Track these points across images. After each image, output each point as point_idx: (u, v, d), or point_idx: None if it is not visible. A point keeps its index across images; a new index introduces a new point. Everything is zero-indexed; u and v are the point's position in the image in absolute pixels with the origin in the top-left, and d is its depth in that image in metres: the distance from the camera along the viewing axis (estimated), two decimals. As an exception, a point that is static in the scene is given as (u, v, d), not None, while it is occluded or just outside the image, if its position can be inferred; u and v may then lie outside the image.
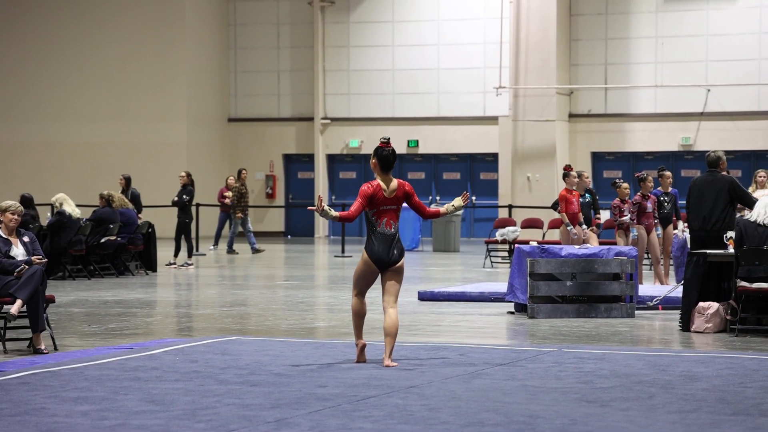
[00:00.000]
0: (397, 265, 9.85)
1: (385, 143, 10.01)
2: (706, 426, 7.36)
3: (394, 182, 9.91)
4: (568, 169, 18.06)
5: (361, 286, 9.93)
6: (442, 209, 10.15)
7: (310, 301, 16.30)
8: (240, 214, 26.94)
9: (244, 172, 27.60)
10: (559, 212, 17.84)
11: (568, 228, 17.48)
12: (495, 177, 32.69)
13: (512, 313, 14.45)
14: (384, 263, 9.80)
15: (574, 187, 17.75)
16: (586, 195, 18.18)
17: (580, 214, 17.66)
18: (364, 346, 9.95)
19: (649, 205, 17.51)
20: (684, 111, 31.02)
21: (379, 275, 9.90)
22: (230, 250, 26.75)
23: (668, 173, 18.04)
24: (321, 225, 34.18)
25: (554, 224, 22.99)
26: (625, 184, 18.04)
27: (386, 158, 9.98)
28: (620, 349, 11.21)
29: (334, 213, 9.72)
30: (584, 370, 9.54)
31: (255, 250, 26.58)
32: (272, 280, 20.62)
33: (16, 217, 11.25)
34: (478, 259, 24.06)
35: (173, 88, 33.53)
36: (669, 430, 7.22)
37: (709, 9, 30.70)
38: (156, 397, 8.23)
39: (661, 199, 17.82)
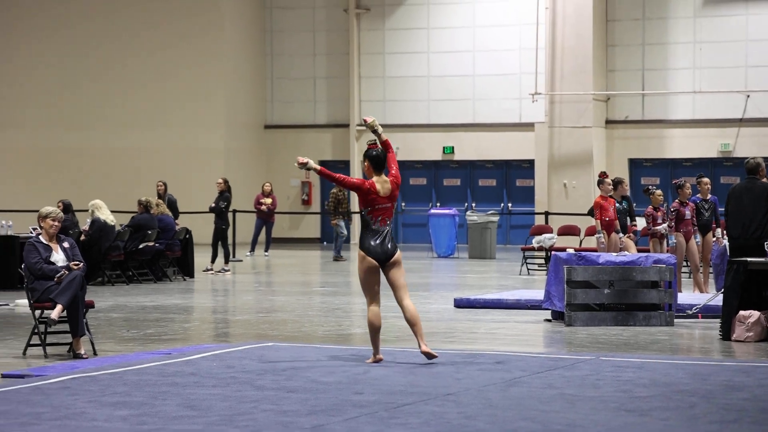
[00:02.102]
0: (395, 257, 10.17)
1: (373, 144, 10.28)
2: (746, 435, 7.33)
3: (387, 182, 10.22)
4: (603, 176, 18.00)
5: (370, 292, 10.16)
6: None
7: (347, 308, 16.31)
8: (335, 221, 26.61)
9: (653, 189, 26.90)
10: (595, 219, 17.78)
11: (597, 236, 17.43)
12: (531, 184, 32.60)
13: (549, 320, 14.40)
14: (381, 257, 10.08)
15: (610, 194, 17.69)
16: (623, 202, 18.10)
17: (617, 221, 17.59)
18: (380, 360, 10.13)
19: (688, 213, 17.41)
20: (723, 117, 30.83)
21: (382, 275, 10.18)
22: (338, 257, 26.42)
23: (707, 180, 17.91)
24: (357, 232, 34.18)
25: (591, 231, 22.88)
26: (659, 192, 17.97)
27: (377, 158, 10.27)
28: (659, 357, 11.15)
29: (314, 165, 10.08)
30: (623, 379, 9.49)
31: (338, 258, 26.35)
32: (308, 287, 20.65)
33: (56, 223, 11.33)
34: (514, 267, 24.00)
35: (211, 95, 33.66)
36: (707, 439, 7.18)
37: (748, 14, 30.50)
38: (194, 403, 8.26)
39: (700, 206, 17.72)
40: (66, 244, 11.38)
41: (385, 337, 12.95)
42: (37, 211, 11.55)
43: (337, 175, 10.18)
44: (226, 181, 23.46)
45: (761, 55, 30.32)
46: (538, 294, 15.75)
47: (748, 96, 30.49)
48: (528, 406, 8.24)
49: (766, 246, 12.98)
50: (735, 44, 30.59)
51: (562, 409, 8.13)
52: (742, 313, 12.60)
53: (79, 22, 34.22)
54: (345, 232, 26.91)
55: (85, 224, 20.94)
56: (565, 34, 30.67)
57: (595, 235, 17.53)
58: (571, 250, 15.71)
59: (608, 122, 31.74)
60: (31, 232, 16.62)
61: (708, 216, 17.79)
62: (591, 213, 18.31)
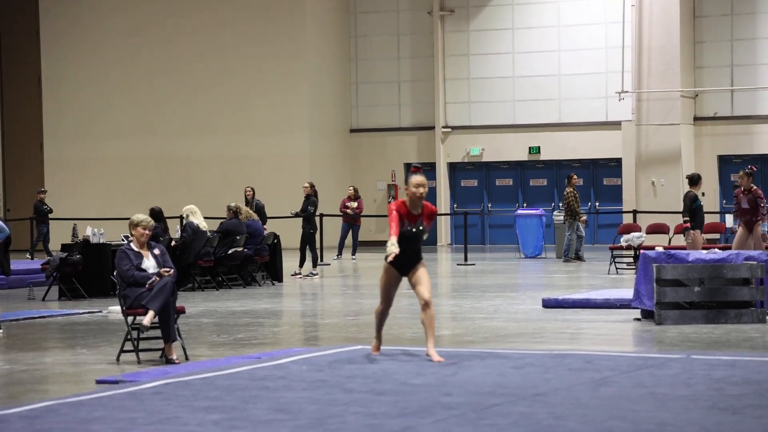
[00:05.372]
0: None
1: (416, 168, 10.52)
2: (841, 433, 7.21)
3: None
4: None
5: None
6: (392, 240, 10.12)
7: (435, 310, 16.29)
8: (584, 218, 26.10)
9: (574, 176, 26.66)
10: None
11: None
12: (618, 182, 32.34)
13: (639, 319, 14.29)
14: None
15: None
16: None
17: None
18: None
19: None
20: (813, 111, 30.35)
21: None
22: (568, 258, 25.87)
23: None
24: (444, 233, 34.19)
25: (680, 229, 22.67)
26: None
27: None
28: (752, 355, 11.01)
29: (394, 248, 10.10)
30: (714, 377, 9.39)
31: (573, 258, 25.93)
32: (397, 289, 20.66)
33: (147, 231, 11.48)
34: (602, 266, 23.83)
35: (296, 100, 33.89)
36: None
37: (837, 6, 30.00)
38: (284, 406, 8.31)
39: None
40: (157, 251, 11.53)
41: (472, 338, 12.96)
42: (129, 219, 11.72)
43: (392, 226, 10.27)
44: (312, 185, 23.46)
45: None
46: (627, 293, 15.63)
47: (840, 89, 29.97)
48: (618, 405, 8.18)
49: None
50: (825, 37, 30.09)
51: (652, 408, 8.07)
52: (836, 309, 12.40)
53: (163, 32, 34.68)
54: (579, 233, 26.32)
55: (176, 230, 21.22)
56: (652, 31, 30.38)
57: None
58: (660, 248, 15.56)
59: (696, 119, 31.38)
60: (123, 240, 16.91)
61: None
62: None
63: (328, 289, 20.59)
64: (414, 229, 10.19)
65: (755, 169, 18.91)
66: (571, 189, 26.04)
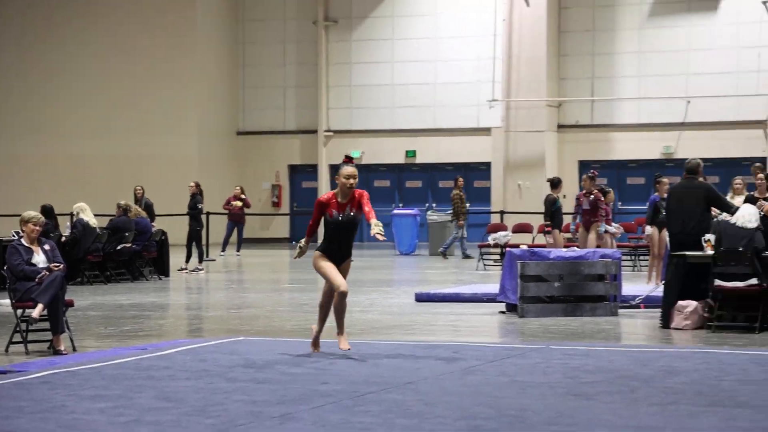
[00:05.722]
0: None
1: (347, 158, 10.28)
2: (684, 417, 7.39)
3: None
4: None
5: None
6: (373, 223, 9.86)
7: (314, 303, 16.20)
8: (461, 221, 25.95)
9: (460, 179, 26.65)
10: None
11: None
12: (488, 185, 32.67)
13: (503, 312, 14.47)
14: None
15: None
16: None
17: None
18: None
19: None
20: (666, 121, 31.05)
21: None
22: (444, 253, 25.78)
23: (666, 180, 17.81)
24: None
25: (541, 229, 23.01)
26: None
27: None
28: (604, 345, 11.24)
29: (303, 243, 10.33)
30: (570, 366, 9.56)
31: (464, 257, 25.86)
32: (278, 284, 20.63)
33: (37, 228, 11.29)
34: (471, 262, 24.07)
35: (185, 103, 33.56)
36: (650, 421, 7.24)
37: (689, 25, 30.73)
38: (168, 395, 8.25)
39: (659, 204, 17.75)
40: (47, 247, 11.35)
41: (350, 330, 12.98)
42: (19, 215, 11.51)
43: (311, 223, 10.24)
44: (198, 185, 23.40)
45: (701, 63, 30.56)
46: (494, 288, 15.80)
47: (689, 102, 30.72)
48: (483, 392, 8.28)
49: (703, 241, 13.10)
50: (677, 54, 30.81)
51: (514, 395, 8.19)
52: (680, 303, 12.72)
53: (64, 38, 34.05)
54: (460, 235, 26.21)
55: (66, 227, 20.87)
56: (521, 44, 30.79)
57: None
58: (525, 247, 15.79)
59: (560, 127, 31.88)
60: (14, 236, 16.56)
61: (664, 214, 17.92)
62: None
63: (212, 284, 20.45)
64: (341, 217, 9.98)
65: (597, 173, 19.37)
66: (458, 191, 26.23)
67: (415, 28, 33.11)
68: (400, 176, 33.92)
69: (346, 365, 9.68)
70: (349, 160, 10.13)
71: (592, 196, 18.15)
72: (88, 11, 34.02)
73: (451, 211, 26.36)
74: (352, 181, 9.95)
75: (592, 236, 17.81)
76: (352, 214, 9.97)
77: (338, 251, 10.07)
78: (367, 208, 9.96)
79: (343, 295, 9.99)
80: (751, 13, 30.26)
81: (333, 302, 10.12)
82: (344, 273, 10.09)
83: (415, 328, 13.18)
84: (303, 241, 10.27)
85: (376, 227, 9.70)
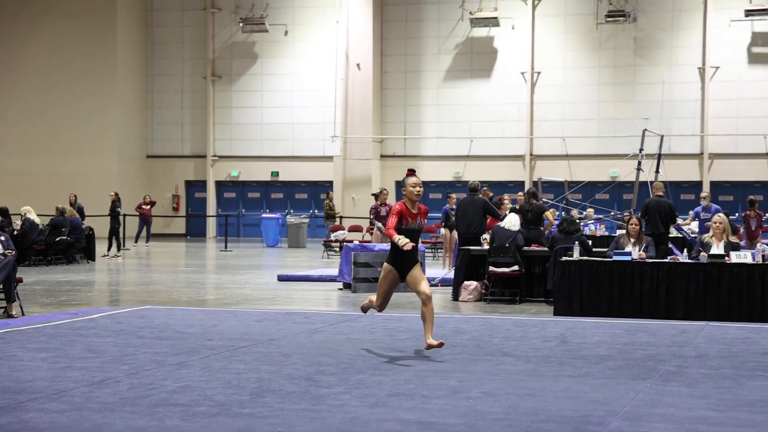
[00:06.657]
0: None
1: (410, 171, 8.12)
2: (467, 362, 7.57)
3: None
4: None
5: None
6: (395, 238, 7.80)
7: (203, 281, 16.08)
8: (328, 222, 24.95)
9: (330, 193, 25.86)
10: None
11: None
12: (331, 197, 32.67)
13: (341, 289, 14.52)
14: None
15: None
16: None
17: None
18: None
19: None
20: (456, 154, 31.69)
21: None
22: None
23: (454, 195, 17.99)
24: (211, 229, 33.65)
25: (369, 229, 23.20)
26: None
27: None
28: (413, 313, 11.40)
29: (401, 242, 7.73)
30: (388, 328, 9.68)
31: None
32: (176, 267, 20.23)
33: (-7, 223, 10.83)
34: (318, 253, 24.09)
35: (108, 132, 32.59)
36: (426, 364, 7.38)
37: (471, 87, 31.46)
38: (93, 348, 8.05)
39: (449, 213, 17.99)
40: (2, 238, 10.92)
41: (229, 301, 12.84)
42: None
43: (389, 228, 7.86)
44: (117, 194, 23.00)
45: (480, 114, 31.33)
46: (335, 271, 15.89)
47: (472, 140, 31.44)
48: (326, 346, 8.32)
49: (482, 239, 13.44)
50: (463, 107, 31.50)
51: (348, 349, 8.25)
52: (466, 282, 13.01)
53: (12, 63, 32.60)
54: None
55: (17, 223, 20.06)
56: (354, 97, 30.96)
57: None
58: (357, 242, 15.88)
59: (382, 156, 32.18)
60: (-25, 229, 15.79)
61: (454, 219, 18.19)
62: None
63: (128, 267, 19.92)
64: (415, 226, 7.82)
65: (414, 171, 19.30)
66: (329, 201, 26.18)
67: (278, 82, 32.94)
68: (267, 189, 33.67)
69: (226, 327, 9.58)
70: (412, 172, 7.97)
71: (388, 207, 18.30)
72: (30, 34, 32.66)
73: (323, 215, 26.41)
74: (418, 189, 7.82)
75: (377, 233, 17.97)
76: (423, 222, 7.86)
77: (411, 256, 7.83)
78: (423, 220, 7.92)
79: (428, 299, 7.79)
80: (513, 79, 31.21)
81: (421, 308, 7.85)
82: (420, 278, 7.84)
83: (277, 300, 13.13)
84: (400, 237, 7.69)
85: (401, 240, 7.69)
